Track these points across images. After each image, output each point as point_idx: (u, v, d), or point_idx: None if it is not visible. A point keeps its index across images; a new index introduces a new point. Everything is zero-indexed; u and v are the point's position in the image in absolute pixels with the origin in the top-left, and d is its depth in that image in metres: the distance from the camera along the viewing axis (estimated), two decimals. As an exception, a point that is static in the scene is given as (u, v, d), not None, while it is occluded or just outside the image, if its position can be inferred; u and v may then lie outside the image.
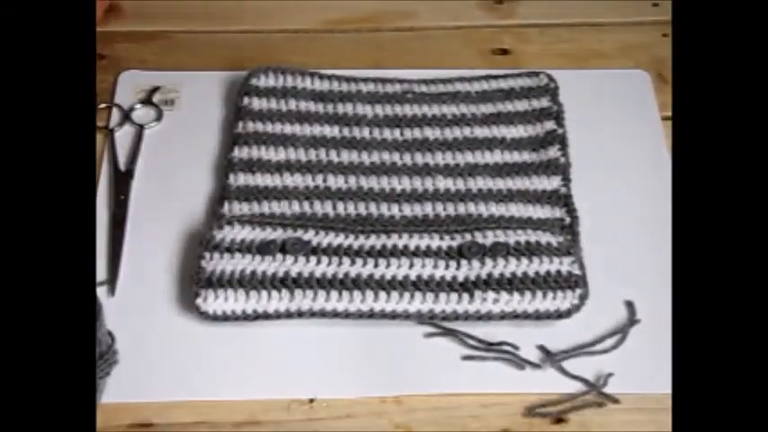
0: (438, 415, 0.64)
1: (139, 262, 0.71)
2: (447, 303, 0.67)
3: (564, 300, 0.67)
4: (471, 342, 0.67)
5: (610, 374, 0.65)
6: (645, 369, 0.66)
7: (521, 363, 0.66)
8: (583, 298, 0.67)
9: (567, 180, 0.75)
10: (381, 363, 0.66)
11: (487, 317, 0.67)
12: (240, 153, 0.75)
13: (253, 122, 0.77)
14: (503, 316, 0.67)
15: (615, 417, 0.64)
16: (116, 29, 0.86)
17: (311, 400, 0.64)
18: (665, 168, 0.76)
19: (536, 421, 0.64)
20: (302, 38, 0.87)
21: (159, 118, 0.80)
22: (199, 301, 0.66)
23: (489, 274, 0.67)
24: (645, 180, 0.76)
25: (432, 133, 0.77)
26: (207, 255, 0.67)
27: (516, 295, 0.66)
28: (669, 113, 0.80)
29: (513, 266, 0.67)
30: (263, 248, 0.67)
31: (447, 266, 0.67)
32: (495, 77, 0.82)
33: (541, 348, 0.66)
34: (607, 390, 0.64)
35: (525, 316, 0.67)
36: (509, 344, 0.66)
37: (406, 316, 0.67)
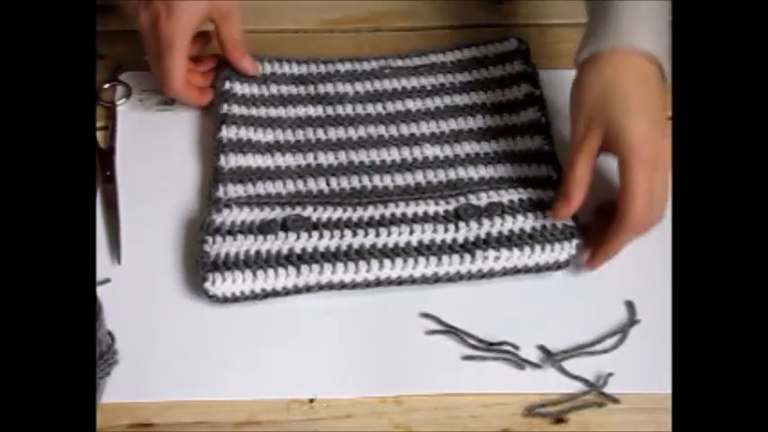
0: (438, 415, 0.64)
1: (137, 258, 0.71)
2: (450, 265, 0.68)
3: (562, 251, 0.68)
4: (471, 342, 0.67)
5: (610, 374, 0.65)
6: (645, 369, 0.66)
7: (521, 363, 0.66)
8: (580, 248, 0.68)
9: (549, 138, 0.76)
10: (381, 363, 0.66)
11: (490, 274, 0.68)
12: (228, 133, 0.75)
13: (237, 106, 0.78)
14: (505, 272, 0.68)
15: (615, 417, 0.64)
16: (116, 29, 0.86)
17: (311, 400, 0.64)
18: (665, 168, 0.76)
19: (536, 421, 0.64)
20: (302, 38, 0.87)
21: (128, 95, 0.81)
22: (207, 284, 0.66)
23: (488, 234, 0.68)
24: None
25: (413, 104, 0.79)
26: (209, 239, 0.68)
27: (516, 251, 0.68)
28: (669, 113, 0.80)
29: (509, 224, 0.69)
30: (265, 228, 0.68)
31: (446, 230, 0.69)
32: (468, 46, 0.83)
33: (541, 348, 0.66)
34: (607, 390, 0.64)
35: (526, 270, 0.68)
36: (509, 344, 0.66)
37: (412, 281, 0.68)
